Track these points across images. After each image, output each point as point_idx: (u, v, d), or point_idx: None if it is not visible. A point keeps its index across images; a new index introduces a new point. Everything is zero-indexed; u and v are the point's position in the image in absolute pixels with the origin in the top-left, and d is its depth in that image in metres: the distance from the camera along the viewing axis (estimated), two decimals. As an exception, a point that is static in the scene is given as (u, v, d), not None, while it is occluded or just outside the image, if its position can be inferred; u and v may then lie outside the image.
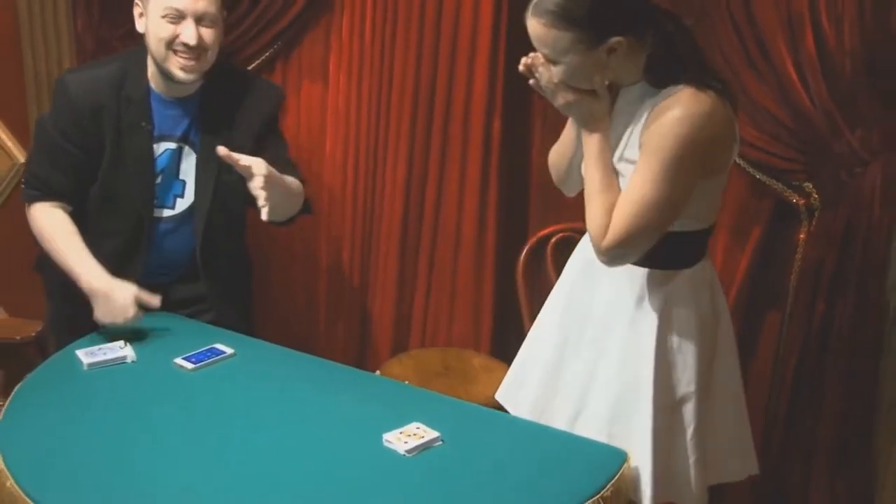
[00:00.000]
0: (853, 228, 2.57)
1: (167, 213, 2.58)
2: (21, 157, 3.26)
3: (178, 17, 2.37)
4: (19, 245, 2.81)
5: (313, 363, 2.41)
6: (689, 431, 2.10)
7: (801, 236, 2.67)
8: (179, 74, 2.42)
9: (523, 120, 2.96)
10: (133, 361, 2.25)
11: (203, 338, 2.38)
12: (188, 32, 2.37)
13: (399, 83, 2.94)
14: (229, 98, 2.54)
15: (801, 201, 2.64)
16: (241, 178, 2.33)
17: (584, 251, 2.25)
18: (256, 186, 2.23)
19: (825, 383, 2.68)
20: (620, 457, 1.99)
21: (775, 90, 2.51)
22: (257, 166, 2.24)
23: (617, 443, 2.07)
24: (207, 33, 2.40)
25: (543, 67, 2.01)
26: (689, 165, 1.94)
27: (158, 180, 2.54)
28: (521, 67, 2.04)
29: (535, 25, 1.96)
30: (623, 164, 2.03)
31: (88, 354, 2.25)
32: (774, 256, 2.74)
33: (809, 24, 2.47)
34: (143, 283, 2.49)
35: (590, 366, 2.16)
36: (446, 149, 2.97)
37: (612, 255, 2.01)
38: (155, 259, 2.61)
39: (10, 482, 1.81)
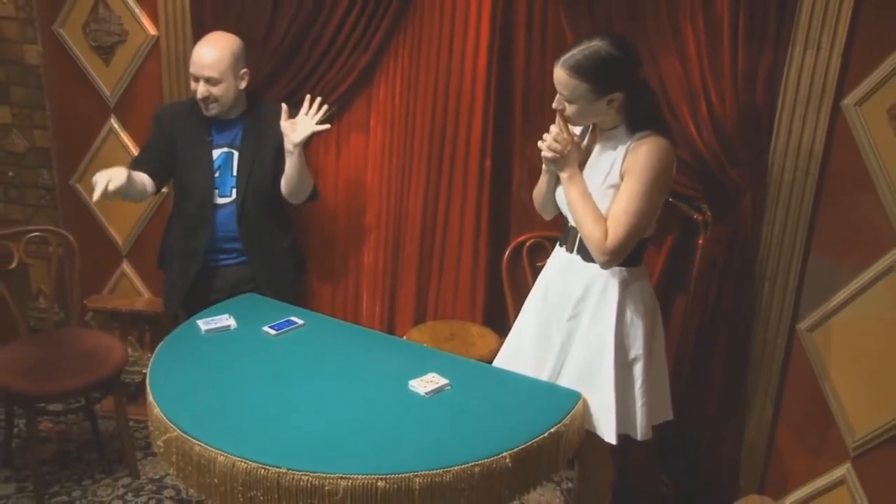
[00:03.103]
0: (735, 237, 2.60)
1: (225, 200, 2.69)
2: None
3: (196, 78, 2.60)
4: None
5: (358, 331, 2.44)
6: (638, 383, 2.12)
7: (700, 242, 2.68)
8: (204, 112, 2.64)
9: (507, 161, 2.94)
10: (235, 329, 2.30)
11: (282, 312, 2.39)
12: (199, 89, 2.58)
13: (419, 134, 2.93)
14: (259, 119, 2.68)
15: (700, 218, 2.66)
16: (266, 174, 2.66)
17: (558, 258, 2.26)
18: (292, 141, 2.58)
19: (716, 345, 2.70)
20: (576, 396, 2.02)
21: (681, 140, 2.50)
22: (298, 133, 2.58)
23: (587, 391, 2.07)
24: (213, 88, 2.59)
25: (557, 128, 2.06)
26: (661, 184, 1.98)
27: (217, 175, 2.67)
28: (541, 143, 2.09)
29: (559, 73, 1.97)
30: (608, 189, 2.05)
31: (205, 323, 2.31)
32: (681, 256, 2.75)
33: (703, 97, 2.50)
34: (208, 266, 2.67)
35: (567, 337, 2.17)
36: (452, 180, 2.94)
37: (616, 255, 2.00)
38: (216, 235, 2.69)
39: (156, 410, 1.90)
